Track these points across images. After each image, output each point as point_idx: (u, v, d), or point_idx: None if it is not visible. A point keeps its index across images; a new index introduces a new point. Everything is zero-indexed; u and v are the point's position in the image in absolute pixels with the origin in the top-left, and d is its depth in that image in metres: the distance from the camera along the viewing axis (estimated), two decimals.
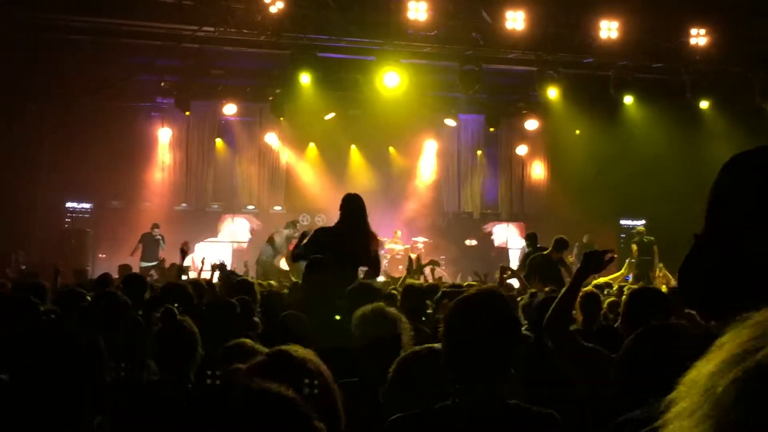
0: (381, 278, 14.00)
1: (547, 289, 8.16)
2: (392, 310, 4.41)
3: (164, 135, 23.05)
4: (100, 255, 21.37)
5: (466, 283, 10.54)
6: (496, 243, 25.20)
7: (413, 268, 11.72)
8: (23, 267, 18.02)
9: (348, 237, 8.13)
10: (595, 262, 4.41)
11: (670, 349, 2.51)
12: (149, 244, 20.07)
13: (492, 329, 2.87)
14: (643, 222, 23.45)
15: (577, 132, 23.25)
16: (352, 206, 8.35)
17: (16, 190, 19.29)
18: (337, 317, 5.56)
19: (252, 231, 23.39)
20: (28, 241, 19.62)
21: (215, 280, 10.32)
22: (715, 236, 1.75)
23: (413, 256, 12.95)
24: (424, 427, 2.90)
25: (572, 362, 4.10)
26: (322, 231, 8.45)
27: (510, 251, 24.68)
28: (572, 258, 20.64)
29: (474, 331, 2.87)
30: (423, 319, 7.03)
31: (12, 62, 17.67)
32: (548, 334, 4.17)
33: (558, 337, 4.13)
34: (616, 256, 5.34)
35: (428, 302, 7.59)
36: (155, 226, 20.46)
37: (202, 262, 12.07)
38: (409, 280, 9.60)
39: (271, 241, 19.62)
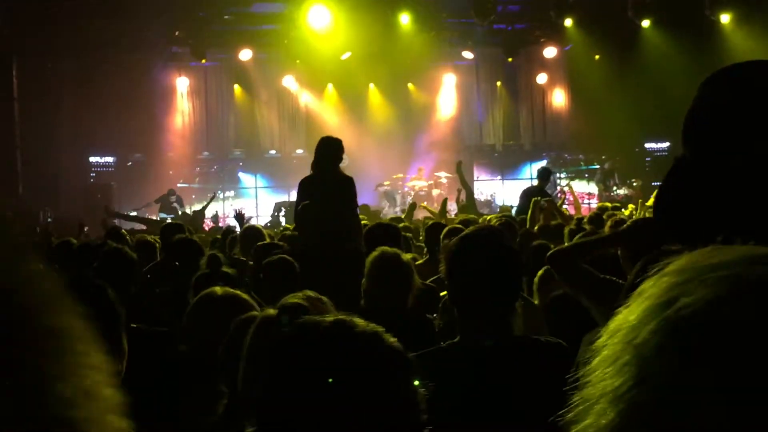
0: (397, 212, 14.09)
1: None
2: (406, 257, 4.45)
3: (182, 84, 23.06)
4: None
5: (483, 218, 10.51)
6: None
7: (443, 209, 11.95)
8: (49, 219, 18.23)
9: (322, 182, 8.09)
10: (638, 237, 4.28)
11: None
12: (166, 208, 20.07)
13: (492, 265, 2.87)
14: (668, 144, 23.27)
15: (597, 57, 22.94)
16: (320, 151, 8.25)
17: (40, 148, 19.40)
18: None
19: None
20: (55, 197, 19.78)
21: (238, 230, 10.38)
22: (693, 159, 1.71)
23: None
24: (435, 366, 2.92)
25: (583, 293, 4.07)
26: (302, 182, 8.38)
27: None
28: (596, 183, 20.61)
29: (475, 268, 2.87)
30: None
31: (26, 20, 17.65)
32: (554, 266, 4.12)
33: (564, 268, 4.09)
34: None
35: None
36: (171, 192, 20.48)
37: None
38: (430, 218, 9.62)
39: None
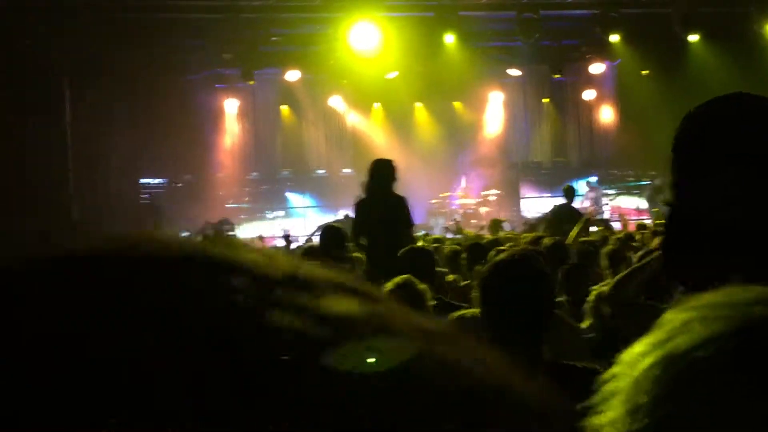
0: (450, 235, 14.12)
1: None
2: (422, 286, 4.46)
3: (230, 106, 23.31)
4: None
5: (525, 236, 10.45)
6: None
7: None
8: None
9: (378, 204, 8.16)
10: None
11: None
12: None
13: (525, 291, 2.89)
14: None
15: (644, 72, 22.76)
16: (377, 174, 8.34)
17: (92, 171, 19.69)
18: None
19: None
20: (109, 220, 20.04)
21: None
22: (681, 200, 1.70)
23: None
24: None
25: (633, 323, 4.04)
26: (358, 204, 8.50)
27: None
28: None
29: (507, 295, 2.90)
30: None
31: (78, 45, 18.00)
32: (609, 304, 4.07)
33: (620, 308, 4.05)
34: None
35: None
36: (225, 221, 20.65)
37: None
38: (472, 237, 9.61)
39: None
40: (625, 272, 4.08)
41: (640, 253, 6.68)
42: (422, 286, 4.45)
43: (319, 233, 8.12)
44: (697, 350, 0.75)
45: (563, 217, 12.62)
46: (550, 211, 13.90)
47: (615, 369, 0.84)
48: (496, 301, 2.93)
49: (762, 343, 0.74)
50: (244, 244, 0.53)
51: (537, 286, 2.93)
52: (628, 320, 3.92)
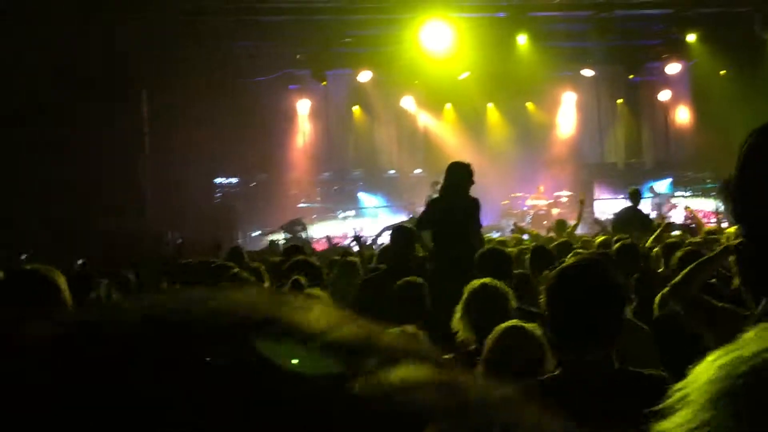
0: (526, 236, 14.03)
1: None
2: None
3: (303, 106, 23.50)
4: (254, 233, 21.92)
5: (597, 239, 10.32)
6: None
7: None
8: (179, 240, 18.72)
9: (452, 209, 8.25)
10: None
11: None
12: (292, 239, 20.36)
13: (592, 299, 2.86)
14: None
15: (722, 73, 22.33)
16: (453, 177, 8.44)
17: (168, 171, 20.01)
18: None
19: None
20: (181, 219, 20.34)
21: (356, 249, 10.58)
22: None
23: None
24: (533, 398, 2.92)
25: (703, 323, 4.00)
26: (431, 203, 8.64)
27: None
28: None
29: (573, 303, 2.87)
30: None
31: (153, 46, 18.31)
32: (674, 297, 4.06)
33: (685, 299, 4.03)
34: None
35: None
36: (298, 222, 20.76)
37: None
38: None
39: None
40: (688, 269, 4.03)
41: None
42: (506, 289, 4.45)
43: (389, 233, 8.16)
44: (764, 353, 0.75)
45: (629, 220, 12.52)
46: (615, 215, 13.76)
47: (689, 379, 0.84)
48: (562, 309, 2.91)
49: None
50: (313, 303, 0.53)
51: (604, 294, 2.89)
52: (692, 317, 3.88)
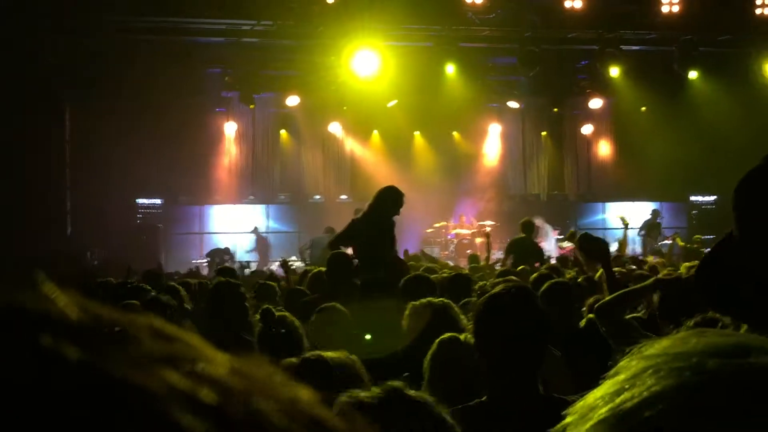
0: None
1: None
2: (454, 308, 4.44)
3: (230, 129, 23.34)
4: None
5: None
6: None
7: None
8: (95, 263, 18.44)
9: (371, 233, 8.30)
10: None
11: None
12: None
13: (520, 327, 2.89)
14: (714, 198, 23.07)
15: (643, 109, 22.90)
16: (378, 201, 8.51)
17: (89, 188, 19.70)
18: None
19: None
20: (102, 238, 20.02)
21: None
22: (748, 235, 1.66)
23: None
24: (462, 425, 2.93)
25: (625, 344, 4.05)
26: (352, 222, 8.66)
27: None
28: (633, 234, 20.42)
29: (502, 330, 2.90)
30: None
31: (80, 64, 18.06)
32: (602, 321, 4.13)
33: (611, 323, 4.10)
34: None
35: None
36: (225, 251, 20.76)
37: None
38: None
39: (330, 230, 19.64)
40: (618, 293, 4.11)
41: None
42: (458, 311, 4.44)
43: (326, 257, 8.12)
44: (645, 409, 0.72)
45: (526, 250, 12.40)
46: (510, 245, 13.52)
47: (567, 418, 0.81)
48: (490, 335, 2.93)
49: (708, 402, 0.70)
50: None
51: (531, 321, 2.93)
52: (615, 337, 3.95)
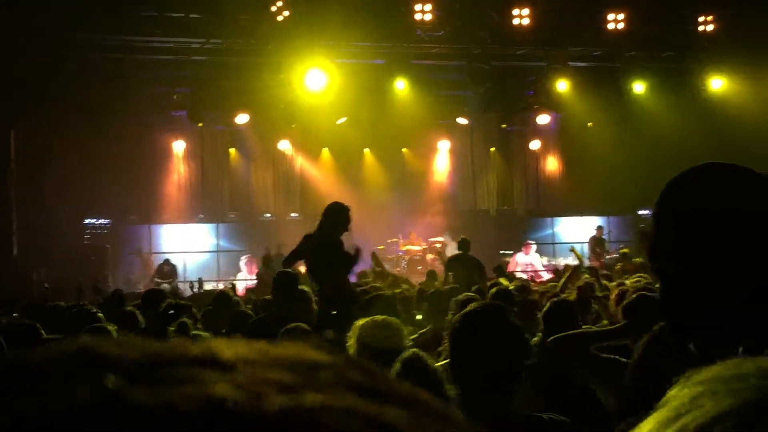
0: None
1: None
2: (395, 321, 4.41)
3: (179, 147, 23.14)
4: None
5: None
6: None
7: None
8: (46, 285, 18.13)
9: (322, 251, 8.36)
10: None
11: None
12: (161, 274, 20.20)
13: (494, 345, 2.89)
14: None
15: (590, 124, 23.18)
16: (326, 218, 8.56)
17: (36, 208, 19.42)
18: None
19: None
20: (49, 258, 19.74)
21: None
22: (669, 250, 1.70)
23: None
24: None
25: (589, 374, 4.07)
26: (304, 238, 8.68)
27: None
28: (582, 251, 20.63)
29: (477, 348, 2.89)
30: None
31: (27, 82, 17.80)
32: (561, 350, 4.10)
33: (570, 355, 4.08)
34: None
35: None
36: (167, 262, 20.65)
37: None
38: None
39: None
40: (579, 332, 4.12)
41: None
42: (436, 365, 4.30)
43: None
44: (708, 428, 0.72)
45: (467, 265, 12.43)
46: (450, 261, 13.55)
47: None
48: (465, 354, 2.92)
49: None
50: None
51: (506, 339, 2.92)
52: (577, 367, 3.96)
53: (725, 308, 1.60)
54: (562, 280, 9.58)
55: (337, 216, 8.47)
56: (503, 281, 11.15)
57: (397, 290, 9.67)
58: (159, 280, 19.36)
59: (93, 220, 22.04)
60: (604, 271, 14.24)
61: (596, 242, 21.88)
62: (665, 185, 1.83)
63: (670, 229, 1.73)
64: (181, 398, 0.44)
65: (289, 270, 7.98)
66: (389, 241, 22.62)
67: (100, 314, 6.66)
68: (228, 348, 0.50)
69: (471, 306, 3.11)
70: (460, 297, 6.65)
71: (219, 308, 8.03)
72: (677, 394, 0.78)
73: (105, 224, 22.14)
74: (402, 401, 0.50)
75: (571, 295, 7.88)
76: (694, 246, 1.63)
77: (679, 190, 1.78)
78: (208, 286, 18.35)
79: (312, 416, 0.45)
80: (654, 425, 0.76)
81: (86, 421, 0.43)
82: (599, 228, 22.37)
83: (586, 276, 10.18)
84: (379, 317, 4.37)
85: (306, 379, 0.48)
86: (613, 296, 6.83)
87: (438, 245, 22.54)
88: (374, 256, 14.04)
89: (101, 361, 0.47)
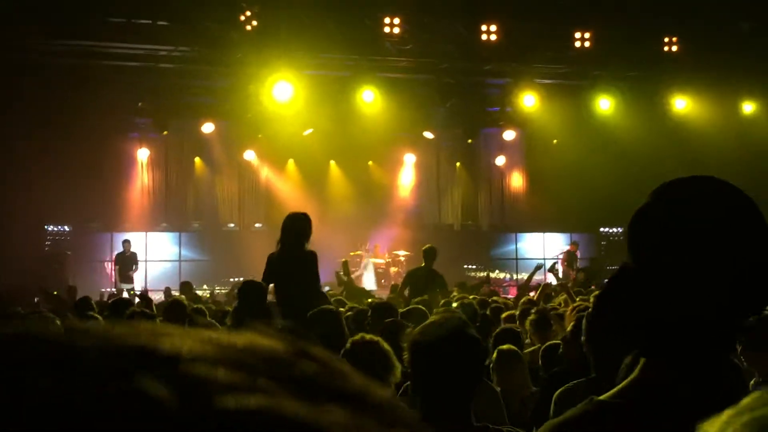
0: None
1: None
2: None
3: (143, 155, 22.98)
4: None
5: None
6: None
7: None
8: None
9: (286, 267, 8.21)
10: None
11: None
12: (123, 264, 20.06)
13: (453, 355, 2.88)
14: (622, 229, 23.55)
15: (555, 141, 23.32)
16: (290, 229, 8.39)
17: None
18: None
19: None
20: (7, 265, 19.46)
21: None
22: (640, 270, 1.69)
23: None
24: None
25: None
26: (270, 257, 8.49)
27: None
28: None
29: (437, 358, 2.89)
30: None
31: None
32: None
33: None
34: None
35: None
36: (125, 242, 20.58)
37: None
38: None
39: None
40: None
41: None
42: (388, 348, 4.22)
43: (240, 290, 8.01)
44: None
45: (426, 280, 11.74)
46: (408, 275, 12.87)
47: None
48: (425, 367, 2.91)
49: None
50: None
51: (465, 350, 2.92)
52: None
53: (705, 316, 1.60)
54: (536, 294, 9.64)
55: (292, 225, 8.30)
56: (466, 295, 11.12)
57: (354, 304, 9.60)
58: (124, 286, 19.31)
59: (54, 227, 21.82)
60: (577, 288, 14.22)
61: (571, 257, 22.04)
62: (650, 196, 1.81)
63: (657, 238, 1.72)
64: (108, 394, 0.42)
65: (254, 280, 7.90)
66: (352, 253, 22.57)
67: (57, 321, 6.58)
68: (174, 339, 0.48)
69: (429, 319, 3.11)
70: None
71: (173, 316, 7.91)
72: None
73: (66, 231, 21.92)
74: (348, 398, 0.48)
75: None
76: (680, 256, 1.63)
77: (665, 200, 1.77)
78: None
79: (247, 420, 0.44)
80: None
81: None
82: (574, 243, 22.52)
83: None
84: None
85: (250, 375, 0.46)
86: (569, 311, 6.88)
87: (402, 258, 22.57)
88: (345, 264, 13.66)
89: (27, 347, 0.45)
